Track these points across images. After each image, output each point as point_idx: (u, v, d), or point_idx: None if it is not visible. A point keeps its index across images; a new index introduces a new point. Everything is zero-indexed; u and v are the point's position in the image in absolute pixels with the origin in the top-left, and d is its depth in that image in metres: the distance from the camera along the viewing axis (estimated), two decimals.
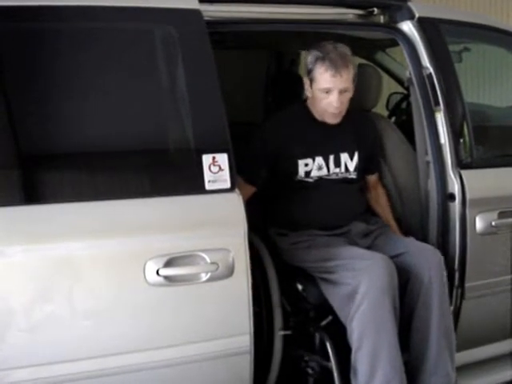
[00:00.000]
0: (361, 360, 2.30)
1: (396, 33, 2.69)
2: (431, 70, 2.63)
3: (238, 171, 2.46)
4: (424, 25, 2.68)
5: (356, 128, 2.73)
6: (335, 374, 2.38)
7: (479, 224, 2.61)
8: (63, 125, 2.07)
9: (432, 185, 2.63)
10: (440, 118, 2.61)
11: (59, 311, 1.98)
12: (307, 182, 2.65)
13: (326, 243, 2.57)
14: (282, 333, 2.52)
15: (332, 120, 2.61)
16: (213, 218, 2.14)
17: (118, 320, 2.03)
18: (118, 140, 2.13)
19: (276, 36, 3.05)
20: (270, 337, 2.53)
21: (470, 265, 2.61)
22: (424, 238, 2.68)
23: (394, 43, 2.79)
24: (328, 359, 2.43)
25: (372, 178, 2.91)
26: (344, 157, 2.69)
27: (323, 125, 2.64)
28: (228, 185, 2.13)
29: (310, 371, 2.54)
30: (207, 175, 2.10)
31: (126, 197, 2.05)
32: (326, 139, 2.66)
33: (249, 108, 3.84)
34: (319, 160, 2.64)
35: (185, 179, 2.15)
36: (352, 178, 2.72)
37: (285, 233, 2.69)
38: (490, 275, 2.69)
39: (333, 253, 2.49)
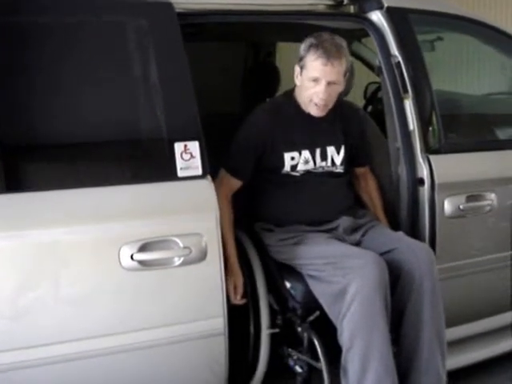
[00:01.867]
0: (352, 360, 2.25)
1: (365, 22, 2.75)
2: (400, 58, 2.69)
3: (223, 164, 2.56)
4: (393, 14, 2.74)
5: (343, 121, 2.70)
6: (325, 375, 2.34)
7: (448, 207, 2.68)
8: (39, 115, 2.12)
9: (402, 170, 2.69)
10: (408, 105, 2.68)
11: (37, 296, 2.03)
12: (293, 175, 2.61)
13: (315, 240, 2.53)
14: (270, 331, 2.52)
15: (316, 112, 2.55)
16: (185, 203, 2.20)
17: (93, 304, 2.09)
18: (93, 129, 2.18)
19: (250, 28, 3.10)
20: (257, 335, 2.54)
21: (439, 247, 2.67)
22: (395, 222, 2.75)
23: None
24: (317, 359, 2.40)
25: (361, 170, 2.89)
26: (330, 150, 2.65)
27: (310, 117, 2.58)
28: (200, 172, 2.19)
29: (298, 370, 2.51)
30: (179, 162, 2.16)
31: (101, 184, 2.10)
32: (313, 132, 2.62)
33: (227, 99, 3.90)
34: (305, 153, 2.60)
35: (158, 167, 2.21)
36: (339, 172, 2.69)
37: (271, 228, 2.65)
38: (458, 257, 2.75)
39: (322, 250, 2.46)
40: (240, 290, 2.49)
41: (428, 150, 2.68)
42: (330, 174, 2.67)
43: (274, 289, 2.57)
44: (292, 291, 2.50)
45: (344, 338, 2.26)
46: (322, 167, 2.65)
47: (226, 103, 3.88)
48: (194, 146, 2.18)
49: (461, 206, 2.70)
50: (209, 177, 2.22)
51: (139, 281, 2.12)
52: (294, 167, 2.60)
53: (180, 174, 2.17)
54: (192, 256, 2.14)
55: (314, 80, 2.46)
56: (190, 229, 2.16)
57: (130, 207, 2.13)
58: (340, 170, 2.68)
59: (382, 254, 2.40)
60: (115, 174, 2.14)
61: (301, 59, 2.51)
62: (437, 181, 2.65)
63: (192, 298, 2.21)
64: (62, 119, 2.15)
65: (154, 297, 2.16)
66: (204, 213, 2.20)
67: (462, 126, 3.10)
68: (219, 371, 2.32)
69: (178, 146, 2.17)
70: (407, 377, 2.39)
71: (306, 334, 2.47)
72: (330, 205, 2.64)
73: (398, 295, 2.40)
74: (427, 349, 2.37)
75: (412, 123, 2.67)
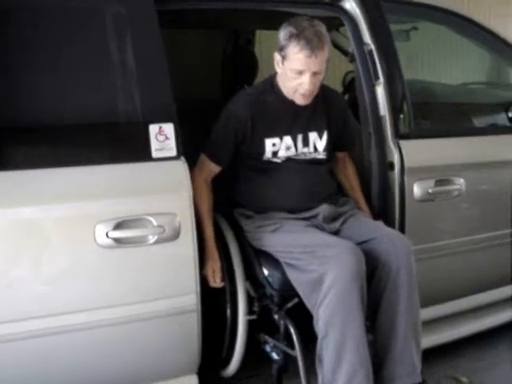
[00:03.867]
0: (327, 348, 2.26)
1: (339, 11, 2.81)
2: (372, 46, 2.75)
3: (203, 149, 2.59)
4: (366, 3, 2.79)
5: (326, 106, 2.67)
6: (300, 362, 2.35)
7: (417, 191, 2.75)
8: (15, 97, 2.16)
9: (373, 154, 2.77)
10: (380, 92, 2.75)
11: (14, 271, 2.09)
12: (274, 162, 2.60)
13: (293, 228, 2.52)
14: (247, 318, 2.54)
15: (301, 101, 2.53)
16: (159, 184, 2.25)
17: (69, 280, 2.15)
18: (71, 111, 2.22)
19: (227, 14, 3.14)
20: (234, 321, 2.57)
21: (409, 230, 2.74)
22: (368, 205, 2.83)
23: None
24: (293, 346, 2.40)
25: (341, 154, 2.88)
26: (313, 136, 2.64)
27: (291, 104, 2.56)
28: (174, 153, 2.25)
29: (275, 357, 2.53)
30: (154, 144, 2.22)
31: (79, 164, 2.16)
32: (295, 118, 2.60)
33: (206, 85, 3.96)
34: (287, 140, 2.59)
35: (133, 148, 2.26)
36: (321, 159, 2.67)
37: (250, 215, 2.65)
38: (427, 240, 2.82)
39: (300, 239, 2.45)
40: (218, 274, 2.52)
41: (398, 135, 2.75)
42: (312, 162, 2.66)
43: (252, 275, 2.58)
44: (269, 278, 2.50)
45: (319, 326, 2.27)
46: (304, 153, 2.63)
47: (206, 89, 3.94)
48: (169, 128, 2.24)
49: (430, 190, 2.77)
50: (183, 158, 2.28)
51: (114, 258, 2.18)
52: (275, 153, 2.60)
53: (155, 154, 2.22)
54: (166, 234, 2.20)
55: (298, 72, 2.44)
56: (163, 208, 2.22)
57: (106, 186, 2.18)
58: (323, 156, 2.67)
59: (360, 244, 2.41)
60: (92, 154, 2.19)
61: (282, 49, 2.45)
62: (406, 165, 2.72)
63: (165, 276, 2.27)
64: (39, 101, 2.19)
65: (128, 274, 2.22)
66: (178, 193, 2.26)
67: (433, 113, 3.17)
68: (192, 347, 2.39)
69: (153, 128, 2.22)
70: (382, 366, 2.41)
71: (282, 322, 2.49)
72: (311, 193, 2.63)
73: (375, 285, 2.41)
74: (402, 339, 2.38)
75: (383, 109, 2.74)
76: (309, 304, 2.34)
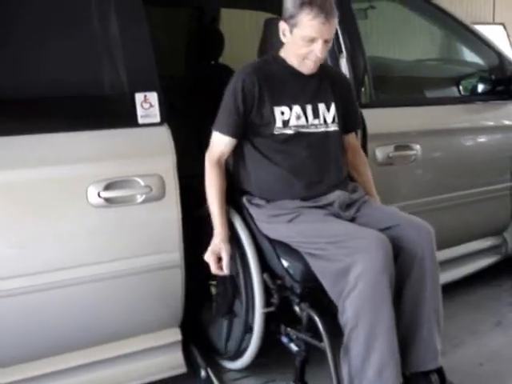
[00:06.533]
0: (356, 340, 2.20)
1: None
2: None
3: (213, 126, 2.57)
4: None
5: (331, 80, 2.64)
6: (329, 356, 2.26)
7: (379, 155, 3.00)
8: (13, 68, 2.27)
9: None
10: (343, 65, 2.97)
11: (19, 229, 2.23)
12: (286, 135, 2.50)
13: (312, 218, 2.43)
14: (265, 310, 2.51)
15: (307, 70, 2.50)
16: (145, 147, 2.42)
17: (64, 237, 2.29)
18: (65, 81, 2.33)
19: None
20: (247, 313, 2.57)
21: None
22: None
23: None
24: (318, 338, 2.33)
25: (350, 139, 2.78)
26: (321, 107, 2.58)
27: (298, 75, 2.53)
28: (158, 119, 2.41)
29: (294, 348, 2.48)
30: (140, 111, 2.38)
31: (73, 130, 2.29)
32: (303, 89, 2.56)
33: (171, 62, 4.08)
34: (297, 108, 2.52)
35: (120, 114, 2.41)
36: (333, 131, 2.59)
37: (261, 204, 2.55)
38: (388, 201, 2.91)
39: (323, 229, 2.37)
40: (226, 263, 2.46)
41: (360, 104, 2.97)
42: (324, 139, 2.58)
43: (268, 267, 2.51)
44: (290, 270, 2.41)
45: (348, 317, 2.21)
46: (315, 125, 2.55)
47: (170, 67, 4.05)
48: (153, 96, 2.40)
49: (390, 154, 3.02)
50: (166, 124, 2.44)
51: (105, 216, 2.33)
52: (286, 123, 2.51)
53: (140, 121, 2.38)
54: (152, 194, 2.37)
55: (310, 39, 2.40)
56: (149, 170, 2.39)
57: (97, 150, 2.33)
58: (333, 127, 2.60)
59: (381, 231, 2.33)
60: (85, 121, 2.33)
61: (292, 16, 2.40)
62: (369, 132, 2.96)
63: (152, 233, 2.44)
64: (35, 70, 2.30)
65: (118, 231, 2.37)
66: (162, 156, 2.42)
67: (392, 86, 3.43)
68: (176, 301, 2.57)
69: (139, 96, 2.38)
70: (407, 352, 2.36)
71: (305, 313, 2.40)
72: (324, 178, 2.55)
73: (398, 272, 2.31)
74: (426, 326, 2.35)
75: None
76: (333, 294, 2.28)
